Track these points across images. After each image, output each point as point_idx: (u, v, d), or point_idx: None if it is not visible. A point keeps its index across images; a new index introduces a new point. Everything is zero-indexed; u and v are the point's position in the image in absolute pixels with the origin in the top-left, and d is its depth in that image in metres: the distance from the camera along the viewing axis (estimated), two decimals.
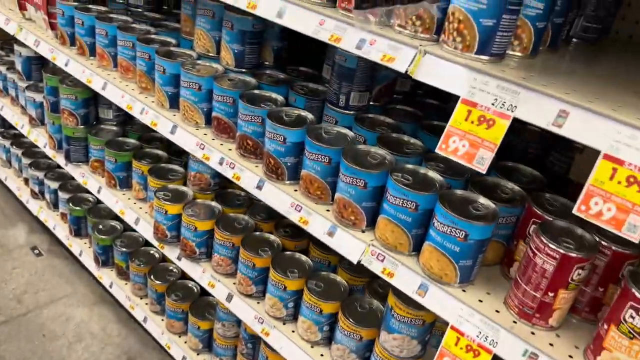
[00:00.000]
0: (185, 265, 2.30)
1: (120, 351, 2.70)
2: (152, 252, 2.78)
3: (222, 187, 2.39)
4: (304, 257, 2.06)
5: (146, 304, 2.72)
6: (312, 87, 2.06)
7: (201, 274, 2.24)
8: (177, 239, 2.29)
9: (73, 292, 3.02)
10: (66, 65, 2.50)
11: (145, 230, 2.46)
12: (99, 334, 2.78)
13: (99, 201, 3.01)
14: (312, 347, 1.92)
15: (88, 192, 3.02)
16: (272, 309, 2.00)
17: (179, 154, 2.61)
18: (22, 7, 2.84)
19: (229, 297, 2.14)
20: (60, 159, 2.85)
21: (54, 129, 2.80)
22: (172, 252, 2.35)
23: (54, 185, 3.13)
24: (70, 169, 2.81)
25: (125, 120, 2.80)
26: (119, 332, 2.81)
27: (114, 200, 2.60)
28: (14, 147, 3.42)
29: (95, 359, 2.65)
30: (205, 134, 2.04)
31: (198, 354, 2.51)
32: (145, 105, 2.17)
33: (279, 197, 1.79)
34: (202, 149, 1.99)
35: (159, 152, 2.60)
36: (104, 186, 2.65)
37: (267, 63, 2.22)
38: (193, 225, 2.17)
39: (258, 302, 2.09)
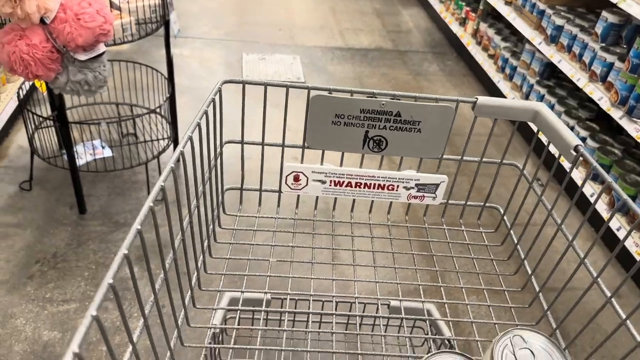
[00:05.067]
0: None
1: None
2: None
3: None
4: None
5: None
6: None
7: None
8: None
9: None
10: None
11: None
12: None
13: (624, 157, 3.43)
14: None
15: (615, 147, 3.48)
16: None
17: None
18: None
19: None
20: (615, 113, 3.35)
21: (623, 87, 3.29)
22: None
23: (584, 133, 3.69)
24: (624, 122, 3.28)
25: None
26: None
27: None
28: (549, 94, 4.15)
29: None
30: None
31: None
32: None
33: None
34: None
35: None
36: None
37: None
38: None
39: None
